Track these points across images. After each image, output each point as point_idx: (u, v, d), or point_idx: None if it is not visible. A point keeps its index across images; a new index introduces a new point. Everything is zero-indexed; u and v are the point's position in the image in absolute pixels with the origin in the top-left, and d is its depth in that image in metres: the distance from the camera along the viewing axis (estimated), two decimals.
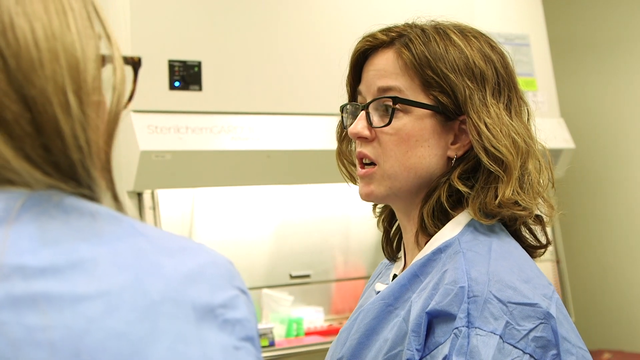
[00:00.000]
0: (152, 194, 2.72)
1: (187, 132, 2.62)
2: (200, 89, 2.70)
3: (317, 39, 2.92)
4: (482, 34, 1.26)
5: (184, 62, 2.67)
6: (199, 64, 2.70)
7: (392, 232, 1.35)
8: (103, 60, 0.74)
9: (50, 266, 0.64)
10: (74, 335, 0.62)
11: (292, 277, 3.23)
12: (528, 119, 1.26)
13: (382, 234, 1.37)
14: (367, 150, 1.22)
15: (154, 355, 0.64)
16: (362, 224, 3.39)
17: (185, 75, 2.66)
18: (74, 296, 0.63)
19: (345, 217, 3.38)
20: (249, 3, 2.84)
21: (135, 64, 0.79)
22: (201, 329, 0.67)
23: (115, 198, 0.73)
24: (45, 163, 0.68)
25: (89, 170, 0.70)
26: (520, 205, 1.17)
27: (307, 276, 3.27)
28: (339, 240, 3.39)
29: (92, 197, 0.70)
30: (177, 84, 2.65)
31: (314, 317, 3.12)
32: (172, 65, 2.65)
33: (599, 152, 4.01)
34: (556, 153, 3.30)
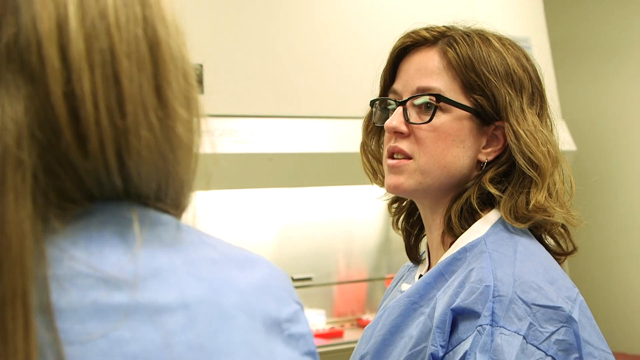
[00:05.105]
0: None
1: None
2: (201, 92, 2.69)
3: (319, 42, 2.92)
4: (517, 45, 1.29)
5: None
6: (200, 67, 2.70)
7: (413, 235, 1.35)
8: None
9: (132, 276, 0.63)
10: (155, 348, 0.61)
11: (294, 280, 3.23)
12: (551, 130, 1.28)
13: (402, 236, 1.36)
14: (402, 145, 1.22)
15: None
16: (365, 227, 3.40)
17: None
18: (155, 308, 0.63)
19: (347, 220, 3.38)
20: (250, 6, 2.84)
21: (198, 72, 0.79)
22: (270, 342, 0.67)
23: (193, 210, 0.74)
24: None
25: (171, 183, 0.71)
26: (548, 212, 1.19)
27: (309, 279, 3.27)
28: (341, 243, 3.38)
29: (165, 209, 0.70)
30: None
31: (316, 320, 3.12)
32: None
33: (600, 155, 4.01)
34: None
